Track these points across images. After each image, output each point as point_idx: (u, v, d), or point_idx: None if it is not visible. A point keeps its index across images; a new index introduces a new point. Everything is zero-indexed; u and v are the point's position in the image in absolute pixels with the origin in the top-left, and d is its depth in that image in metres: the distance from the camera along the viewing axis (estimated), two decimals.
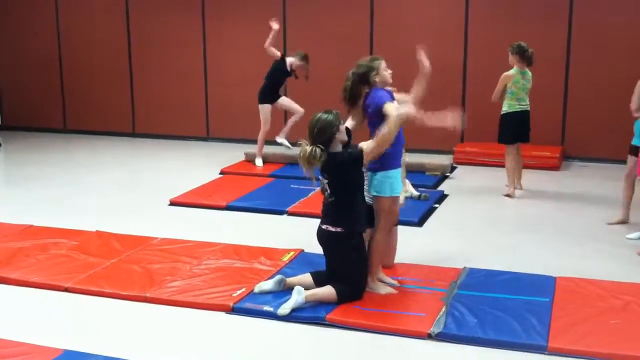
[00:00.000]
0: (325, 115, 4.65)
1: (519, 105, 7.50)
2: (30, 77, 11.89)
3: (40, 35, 11.68)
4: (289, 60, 8.95)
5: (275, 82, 9.07)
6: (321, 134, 4.61)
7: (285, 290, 4.79)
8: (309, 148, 4.58)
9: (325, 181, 4.70)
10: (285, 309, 4.56)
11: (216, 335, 4.42)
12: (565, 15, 9.27)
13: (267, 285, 4.82)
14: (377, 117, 4.79)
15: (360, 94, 4.91)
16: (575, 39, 9.28)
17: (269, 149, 9.60)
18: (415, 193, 7.32)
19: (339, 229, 4.69)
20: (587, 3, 9.21)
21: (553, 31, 9.29)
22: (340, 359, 4.13)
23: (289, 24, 10.30)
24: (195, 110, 11.09)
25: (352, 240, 4.75)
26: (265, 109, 9.03)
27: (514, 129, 7.57)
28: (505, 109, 7.54)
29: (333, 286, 4.71)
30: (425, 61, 5.16)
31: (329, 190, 4.70)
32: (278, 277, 4.80)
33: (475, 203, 7.51)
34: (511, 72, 7.47)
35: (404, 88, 5.22)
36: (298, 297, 4.59)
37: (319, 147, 4.58)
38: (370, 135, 4.86)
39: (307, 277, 4.86)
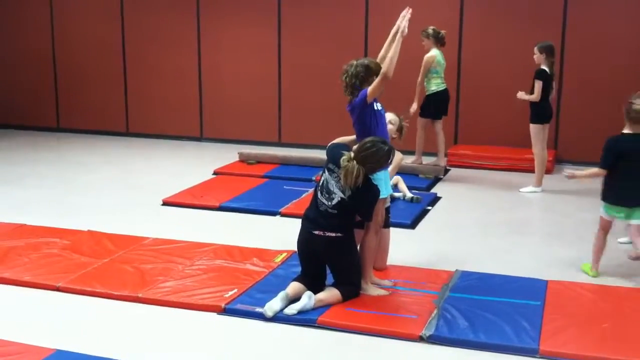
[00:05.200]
0: (385, 149, 4.66)
1: (443, 83, 8.41)
2: (23, 76, 11.83)
3: (34, 33, 11.64)
4: None
5: None
6: (373, 161, 4.63)
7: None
8: (357, 167, 4.56)
9: (338, 196, 4.66)
10: (292, 309, 4.55)
11: (208, 336, 4.42)
12: (559, 19, 9.28)
13: (277, 304, 4.59)
14: (363, 118, 4.84)
15: (357, 84, 4.89)
16: (569, 43, 9.29)
17: (261, 150, 9.61)
18: (409, 195, 7.33)
19: (339, 234, 4.70)
20: (581, 7, 9.23)
21: (546, 35, 9.27)
22: None
23: (283, 24, 10.30)
24: (189, 110, 11.06)
25: (351, 242, 4.79)
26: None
27: (442, 106, 8.51)
28: (434, 88, 8.40)
29: (337, 288, 4.73)
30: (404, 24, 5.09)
31: (333, 202, 4.67)
32: (281, 293, 4.66)
33: (468, 206, 7.52)
34: (432, 53, 8.25)
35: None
36: (308, 301, 4.58)
37: (363, 169, 4.58)
38: (356, 134, 4.92)
39: (300, 286, 4.75)
